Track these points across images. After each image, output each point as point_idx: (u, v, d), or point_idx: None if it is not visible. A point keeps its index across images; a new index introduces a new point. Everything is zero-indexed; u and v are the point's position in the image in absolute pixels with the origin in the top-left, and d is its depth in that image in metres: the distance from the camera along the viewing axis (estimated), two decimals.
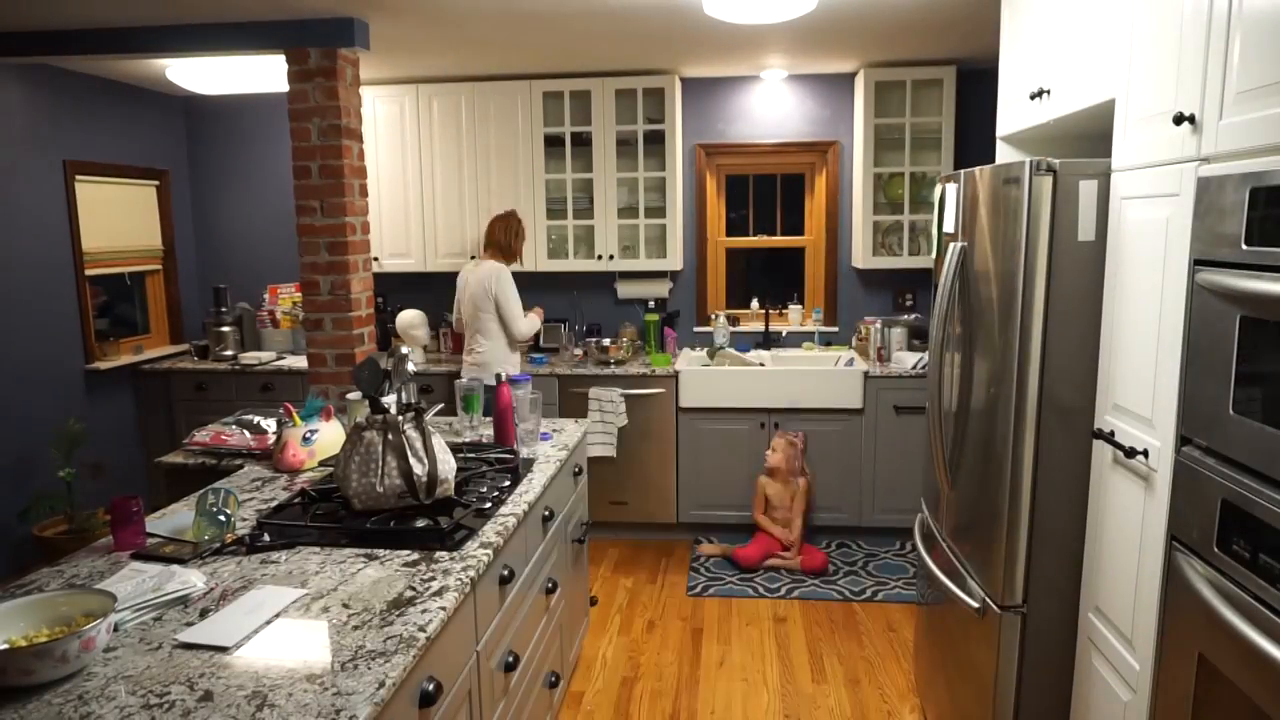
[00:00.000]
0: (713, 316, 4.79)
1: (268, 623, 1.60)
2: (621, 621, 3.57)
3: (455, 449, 2.55)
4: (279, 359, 4.69)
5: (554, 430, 3.03)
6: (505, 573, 2.08)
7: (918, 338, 4.42)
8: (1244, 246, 1.35)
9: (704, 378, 4.24)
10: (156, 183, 4.90)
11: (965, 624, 2.33)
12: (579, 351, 4.66)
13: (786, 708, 2.91)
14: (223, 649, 1.50)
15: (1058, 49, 2.24)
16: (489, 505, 2.19)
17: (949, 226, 2.54)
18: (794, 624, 3.50)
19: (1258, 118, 1.34)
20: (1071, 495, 2.02)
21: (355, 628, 1.57)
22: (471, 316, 3.95)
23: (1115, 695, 1.82)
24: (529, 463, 2.62)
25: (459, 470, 2.34)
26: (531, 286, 4.98)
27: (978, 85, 4.40)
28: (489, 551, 1.93)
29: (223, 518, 2.01)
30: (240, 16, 3.36)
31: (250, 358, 4.62)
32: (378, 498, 2.07)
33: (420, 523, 2.04)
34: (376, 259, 4.70)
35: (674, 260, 4.60)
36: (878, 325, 4.42)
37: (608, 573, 4.06)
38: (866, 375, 4.17)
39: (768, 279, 5.01)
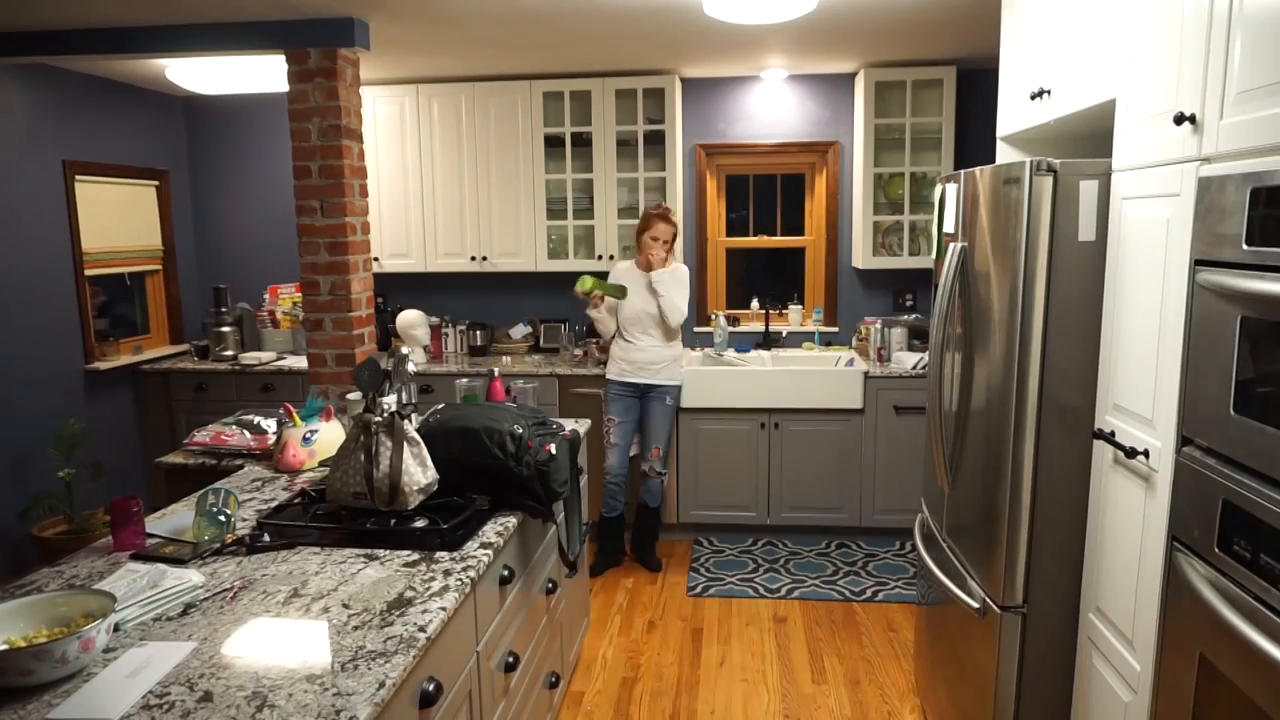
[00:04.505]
0: (712, 317, 4.79)
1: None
2: (621, 621, 3.56)
3: None
4: (279, 359, 4.69)
5: None
6: (505, 573, 2.08)
7: (918, 338, 4.42)
8: (1245, 246, 1.35)
9: (704, 378, 4.24)
10: (156, 183, 4.90)
11: (965, 624, 2.33)
12: (579, 351, 4.66)
13: (786, 708, 2.91)
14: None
15: (1058, 49, 2.24)
16: (489, 506, 2.19)
17: (949, 227, 2.54)
18: (794, 624, 3.50)
19: (1258, 118, 1.34)
20: (1072, 495, 2.02)
21: (355, 628, 1.57)
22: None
23: (1116, 696, 1.82)
24: None
25: None
26: (532, 287, 4.98)
27: (978, 85, 4.40)
28: (489, 552, 1.93)
29: (223, 518, 2.01)
30: (240, 16, 3.35)
31: (250, 358, 4.62)
32: (342, 496, 2.07)
33: (420, 523, 2.03)
34: (376, 259, 4.70)
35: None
36: (878, 325, 4.42)
37: (608, 573, 4.06)
38: (866, 375, 4.17)
39: (768, 279, 5.01)
